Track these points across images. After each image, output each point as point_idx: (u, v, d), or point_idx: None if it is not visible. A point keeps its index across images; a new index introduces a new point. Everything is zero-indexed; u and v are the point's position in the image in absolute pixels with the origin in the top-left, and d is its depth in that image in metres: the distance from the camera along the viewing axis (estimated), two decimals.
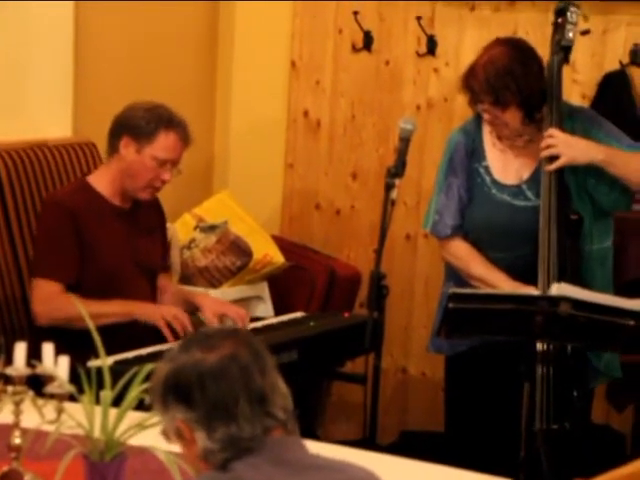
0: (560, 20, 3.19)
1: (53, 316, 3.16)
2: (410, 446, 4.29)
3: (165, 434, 1.78)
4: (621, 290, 3.31)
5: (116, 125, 3.26)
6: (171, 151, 3.22)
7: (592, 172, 3.19)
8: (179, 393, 1.71)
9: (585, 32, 3.33)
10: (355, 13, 4.47)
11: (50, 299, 3.16)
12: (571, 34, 3.17)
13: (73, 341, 2.79)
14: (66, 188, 3.48)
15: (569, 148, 3.12)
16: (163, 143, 3.20)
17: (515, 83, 3.12)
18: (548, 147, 3.12)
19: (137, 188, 3.25)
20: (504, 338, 3.06)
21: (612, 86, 4.11)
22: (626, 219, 3.73)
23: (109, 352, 2.08)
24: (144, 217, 3.38)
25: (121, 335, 3.11)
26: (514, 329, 2.99)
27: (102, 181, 3.29)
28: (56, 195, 3.41)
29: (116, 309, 3.18)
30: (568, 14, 3.17)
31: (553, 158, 3.13)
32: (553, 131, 3.13)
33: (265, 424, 1.70)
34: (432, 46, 4.41)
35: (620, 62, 4.14)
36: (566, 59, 3.23)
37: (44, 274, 3.20)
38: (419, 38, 4.42)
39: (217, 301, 3.49)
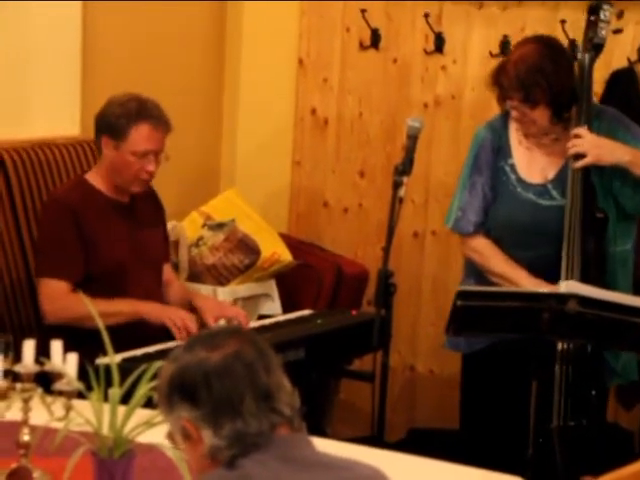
0: (593, 18, 3.17)
1: (61, 315, 3.17)
2: (418, 443, 4.28)
3: (170, 437, 1.78)
4: (633, 287, 3.31)
5: (96, 124, 3.32)
6: (146, 142, 3.22)
7: (617, 174, 3.19)
8: (184, 392, 1.71)
9: (618, 31, 3.33)
10: (363, 11, 4.47)
11: (58, 298, 3.17)
12: (604, 32, 3.16)
13: (81, 339, 2.79)
14: (64, 186, 3.50)
15: (596, 148, 3.12)
16: (136, 137, 3.21)
17: (546, 80, 3.12)
18: (575, 146, 3.12)
19: (126, 182, 3.28)
20: (512, 335, 3.05)
21: (620, 84, 4.11)
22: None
23: (117, 350, 2.09)
24: (143, 210, 3.40)
25: (129, 333, 3.11)
26: (522, 326, 2.99)
27: (98, 177, 3.32)
28: (55, 194, 3.43)
29: (124, 308, 3.19)
30: (601, 12, 3.15)
31: (579, 156, 3.13)
32: (581, 130, 3.14)
33: (271, 420, 1.70)
34: (440, 44, 4.41)
35: (628, 60, 4.13)
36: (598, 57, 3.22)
37: (50, 273, 3.21)
38: (427, 36, 4.42)
39: (216, 305, 3.49)
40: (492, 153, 3.28)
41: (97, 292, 3.18)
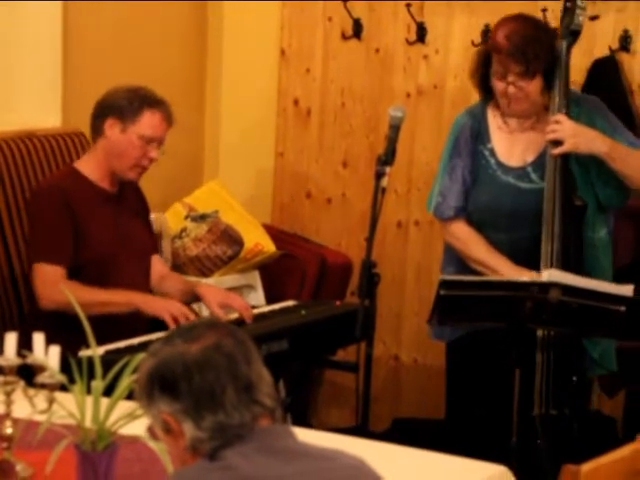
0: (569, 4, 3.19)
1: (58, 299, 3.10)
2: (403, 433, 4.29)
3: (151, 432, 1.77)
4: (613, 276, 3.32)
5: (99, 107, 3.29)
6: (157, 129, 3.25)
7: (594, 163, 3.20)
8: (164, 385, 1.70)
9: (594, 17, 3.35)
10: (344, 1, 4.46)
11: (54, 282, 3.13)
12: (581, 18, 3.18)
13: (64, 331, 2.79)
14: (55, 175, 3.49)
15: (574, 136, 3.13)
16: (149, 121, 3.23)
17: (543, 50, 3.15)
18: (553, 131, 3.13)
19: (124, 168, 3.27)
20: (495, 324, 3.06)
21: (602, 72, 4.11)
22: None
23: (100, 342, 2.08)
24: (129, 201, 3.40)
25: (112, 325, 3.11)
26: (505, 315, 3.00)
27: (89, 166, 3.31)
28: (46, 182, 3.42)
29: (121, 299, 3.18)
30: None
31: (557, 143, 3.14)
32: (560, 117, 3.15)
33: (253, 411, 1.70)
34: (422, 33, 4.40)
35: (610, 48, 4.13)
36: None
37: (45, 258, 3.19)
38: (409, 25, 4.42)
39: (220, 292, 3.47)
40: (471, 138, 3.29)
41: (84, 281, 3.18)
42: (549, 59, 3.16)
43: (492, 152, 3.29)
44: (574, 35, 3.20)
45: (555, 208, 3.10)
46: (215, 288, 3.57)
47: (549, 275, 2.98)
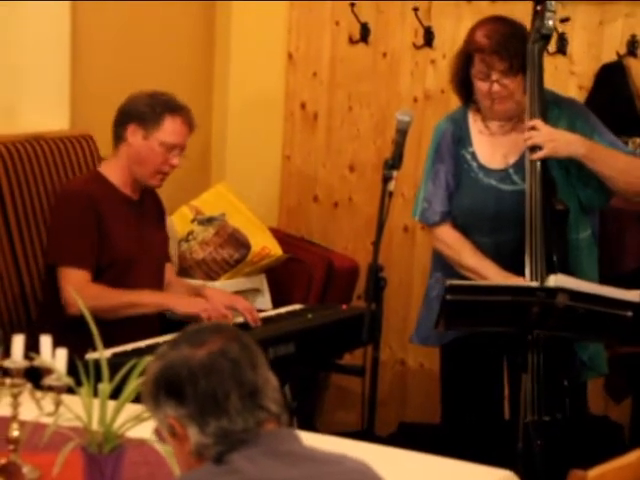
0: (539, 8, 3.19)
1: (86, 304, 3.11)
2: (409, 437, 4.29)
3: (158, 433, 1.78)
4: (619, 281, 3.31)
5: (121, 114, 3.29)
6: (178, 135, 3.25)
7: (574, 164, 3.20)
8: (170, 389, 1.70)
9: (565, 20, 3.35)
10: (352, 5, 4.47)
11: (83, 287, 3.12)
12: (551, 22, 3.17)
13: (71, 334, 2.79)
14: (80, 179, 3.49)
15: (551, 141, 3.13)
16: (170, 128, 3.23)
17: (523, 46, 3.15)
18: (531, 137, 3.13)
19: (146, 175, 3.27)
20: (501, 330, 3.06)
21: (609, 77, 4.11)
22: (623, 210, 3.73)
23: (108, 345, 2.08)
24: (149, 208, 3.40)
25: (119, 328, 3.11)
26: (511, 321, 3.00)
27: (113, 171, 3.30)
28: (73, 185, 3.42)
29: (150, 300, 3.21)
30: (547, 2, 3.17)
31: (535, 148, 3.14)
32: (536, 122, 3.14)
33: (258, 417, 1.70)
34: (429, 38, 4.41)
35: (617, 53, 4.13)
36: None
37: (72, 262, 3.18)
38: (416, 30, 4.42)
39: (225, 294, 3.50)
40: (453, 144, 3.30)
41: (103, 283, 3.19)
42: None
43: (474, 156, 3.29)
44: (545, 39, 3.20)
45: (536, 213, 3.10)
46: (220, 291, 3.58)
47: (556, 280, 2.98)
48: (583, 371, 3.30)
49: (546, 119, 3.16)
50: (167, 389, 1.71)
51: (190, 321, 3.13)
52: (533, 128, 3.13)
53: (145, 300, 3.20)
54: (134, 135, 3.24)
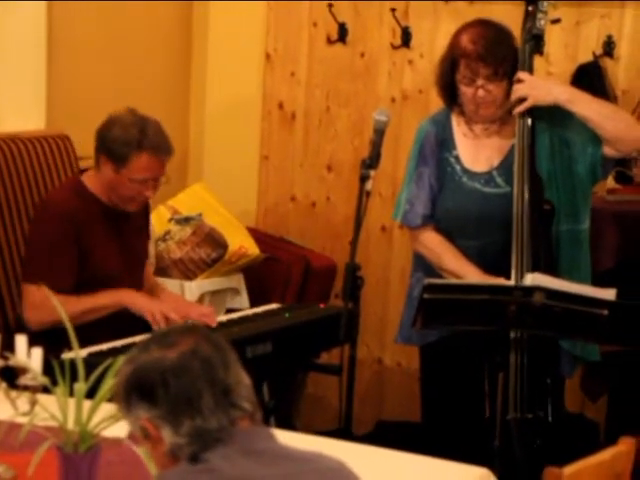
0: (531, 8, 3.20)
1: (45, 321, 3.07)
2: (386, 436, 4.29)
3: (132, 437, 1.77)
4: (596, 279, 3.33)
5: (97, 138, 3.23)
6: (146, 171, 3.17)
7: (557, 126, 3.19)
8: (142, 392, 1.70)
9: (556, 21, 3.35)
10: (330, 5, 4.47)
11: (42, 305, 3.08)
12: (542, 22, 3.19)
13: (47, 334, 2.78)
14: (63, 190, 3.34)
15: (534, 89, 3.14)
16: (136, 165, 3.15)
17: (509, 52, 3.17)
18: (516, 90, 3.15)
19: (121, 202, 3.24)
20: (479, 328, 3.07)
21: (586, 78, 4.12)
22: (602, 209, 3.75)
23: (84, 344, 2.07)
24: (134, 216, 3.36)
25: (98, 327, 3.10)
26: (488, 319, 3.01)
27: (94, 184, 3.25)
28: (54, 198, 3.33)
29: (108, 301, 3.18)
30: (539, 2, 3.18)
31: (522, 102, 3.15)
32: (522, 74, 3.15)
33: (231, 415, 1.70)
34: (407, 38, 4.42)
35: (593, 53, 4.15)
36: (538, 48, 3.24)
37: (37, 280, 3.11)
38: (394, 30, 4.43)
39: (181, 302, 3.46)
40: (436, 145, 3.29)
41: (81, 293, 3.17)
42: (514, 62, 3.18)
43: (457, 159, 3.29)
44: (536, 39, 3.21)
45: (523, 213, 3.10)
46: (176, 298, 3.53)
47: (533, 279, 2.99)
48: (571, 363, 3.30)
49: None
50: (139, 392, 1.71)
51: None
52: (519, 81, 3.15)
53: (103, 302, 3.17)
54: (105, 166, 3.19)
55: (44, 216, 3.26)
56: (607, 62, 4.14)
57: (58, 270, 3.15)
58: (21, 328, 3.06)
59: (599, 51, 4.15)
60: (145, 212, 3.46)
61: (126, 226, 3.32)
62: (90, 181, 3.28)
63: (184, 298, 3.82)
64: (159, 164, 3.20)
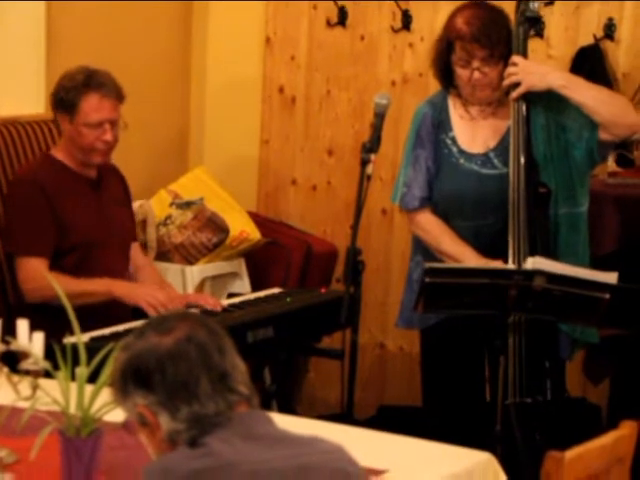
0: None
1: (43, 294, 3.10)
2: (388, 420, 4.29)
3: (128, 426, 1.77)
4: (597, 263, 3.32)
5: (51, 103, 3.31)
6: (98, 112, 3.21)
7: (552, 110, 3.18)
8: (138, 379, 1.70)
9: (549, 3, 3.34)
10: None
11: (39, 277, 3.11)
12: (536, 4, 3.17)
13: (49, 319, 2.78)
14: (31, 164, 3.47)
15: (528, 74, 3.13)
16: (87, 108, 3.20)
17: (504, 34, 3.16)
18: (510, 75, 3.14)
19: (85, 155, 3.27)
20: (480, 312, 3.07)
21: (586, 61, 4.11)
22: (603, 192, 3.75)
23: (86, 329, 2.07)
24: (111, 188, 3.39)
25: (99, 312, 3.11)
26: (489, 303, 3.00)
27: (62, 152, 3.32)
28: (22, 172, 3.41)
29: (101, 288, 3.18)
30: None
31: (516, 87, 3.14)
32: (516, 58, 3.14)
33: (229, 400, 1.70)
34: (407, 21, 4.40)
35: (594, 36, 4.14)
36: (537, 31, 3.22)
37: (27, 252, 3.18)
38: (394, 13, 4.41)
39: (177, 297, 3.47)
40: (433, 127, 3.29)
41: (65, 267, 3.17)
42: (510, 44, 3.17)
43: (454, 141, 3.28)
44: (531, 22, 3.19)
45: (519, 196, 3.10)
46: (179, 297, 3.52)
47: (533, 263, 2.98)
48: (570, 346, 3.30)
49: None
50: (135, 379, 1.71)
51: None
52: (513, 64, 3.14)
53: (95, 288, 3.17)
54: (62, 121, 3.26)
55: (15, 189, 3.32)
56: (608, 45, 4.12)
57: (41, 239, 3.18)
58: (22, 309, 3.06)
59: (600, 34, 4.13)
60: (123, 185, 3.48)
61: (102, 195, 3.35)
62: (58, 152, 3.33)
63: (178, 293, 3.76)
64: (110, 105, 3.22)
